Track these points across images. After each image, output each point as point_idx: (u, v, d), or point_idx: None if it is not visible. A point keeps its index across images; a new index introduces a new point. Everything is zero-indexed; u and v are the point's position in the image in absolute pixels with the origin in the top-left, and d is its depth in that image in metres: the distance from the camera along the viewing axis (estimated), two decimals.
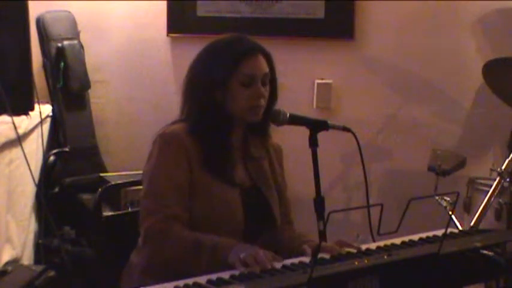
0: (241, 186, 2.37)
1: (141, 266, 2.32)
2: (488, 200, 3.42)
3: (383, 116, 4.25)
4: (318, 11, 4.17)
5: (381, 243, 2.30)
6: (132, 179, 3.19)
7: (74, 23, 4.19)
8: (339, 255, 2.17)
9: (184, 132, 2.32)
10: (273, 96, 2.40)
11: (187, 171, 2.29)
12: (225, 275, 2.00)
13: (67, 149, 4.01)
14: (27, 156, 3.10)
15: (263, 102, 2.34)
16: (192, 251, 2.19)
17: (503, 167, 3.44)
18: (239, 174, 2.39)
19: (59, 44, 4.03)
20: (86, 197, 3.92)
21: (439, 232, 2.36)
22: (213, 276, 1.99)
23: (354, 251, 2.23)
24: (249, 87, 2.32)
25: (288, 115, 2.30)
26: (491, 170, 3.60)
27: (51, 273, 2.94)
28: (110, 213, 3.02)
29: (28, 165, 3.04)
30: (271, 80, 2.40)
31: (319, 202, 2.25)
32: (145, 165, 2.35)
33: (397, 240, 2.33)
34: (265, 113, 2.37)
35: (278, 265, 2.07)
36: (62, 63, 4.01)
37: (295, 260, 2.14)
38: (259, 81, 2.33)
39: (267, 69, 2.36)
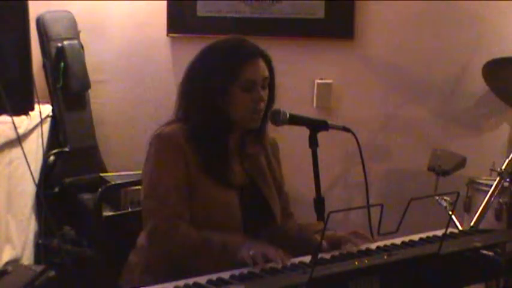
0: (239, 186, 2.37)
1: (141, 266, 2.32)
2: (488, 200, 3.42)
3: (383, 116, 4.25)
4: (318, 11, 4.17)
5: (381, 243, 2.30)
6: (132, 179, 3.19)
7: (74, 23, 4.19)
8: (339, 255, 2.18)
9: (181, 133, 2.31)
10: (270, 99, 2.39)
11: (185, 172, 2.28)
12: (225, 275, 2.00)
13: (67, 149, 4.01)
14: (27, 156, 3.10)
15: (263, 105, 2.34)
16: (201, 249, 2.19)
17: (503, 167, 3.44)
18: (236, 174, 2.38)
19: (59, 44, 4.03)
20: (86, 197, 3.92)
21: (439, 232, 2.37)
22: (213, 276, 1.99)
23: (370, 244, 2.24)
24: (250, 92, 2.31)
25: (287, 115, 2.30)
26: (491, 170, 3.60)
27: (51, 273, 2.94)
28: (110, 213, 3.02)
29: (28, 165, 3.04)
30: (270, 84, 2.39)
31: (319, 202, 2.25)
32: (143, 167, 2.34)
33: (397, 240, 2.33)
34: (262, 117, 2.37)
35: (288, 262, 2.07)
36: (62, 63, 4.01)
37: (295, 260, 2.15)
38: (259, 86, 2.33)
39: (266, 73, 2.35)
